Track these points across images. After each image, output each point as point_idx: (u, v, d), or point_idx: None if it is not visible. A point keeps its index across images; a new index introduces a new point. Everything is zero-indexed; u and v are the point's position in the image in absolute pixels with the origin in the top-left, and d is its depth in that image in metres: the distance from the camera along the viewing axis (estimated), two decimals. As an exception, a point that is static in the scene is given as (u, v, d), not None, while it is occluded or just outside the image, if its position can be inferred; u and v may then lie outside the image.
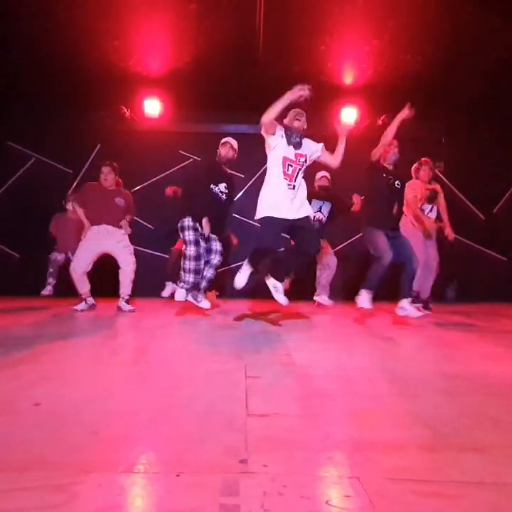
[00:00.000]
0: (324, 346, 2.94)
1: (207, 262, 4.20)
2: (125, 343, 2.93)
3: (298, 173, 3.55)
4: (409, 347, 3.03)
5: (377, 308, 5.09)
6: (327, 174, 5.42)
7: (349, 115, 6.62)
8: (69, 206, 5.36)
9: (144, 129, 6.76)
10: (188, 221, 4.11)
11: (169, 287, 5.59)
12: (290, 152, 3.53)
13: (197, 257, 4.08)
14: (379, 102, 6.52)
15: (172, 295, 5.44)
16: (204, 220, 4.08)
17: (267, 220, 3.46)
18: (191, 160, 6.77)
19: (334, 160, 3.76)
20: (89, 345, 2.84)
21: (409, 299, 3.96)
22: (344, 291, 6.24)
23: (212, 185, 4.19)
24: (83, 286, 4.61)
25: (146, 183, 6.88)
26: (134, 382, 1.96)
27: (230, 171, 4.44)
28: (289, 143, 3.53)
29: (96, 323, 3.91)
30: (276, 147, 3.54)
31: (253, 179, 6.68)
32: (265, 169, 6.66)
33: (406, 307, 3.90)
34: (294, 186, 3.51)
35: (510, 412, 1.64)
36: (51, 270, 5.32)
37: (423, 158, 4.89)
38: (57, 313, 4.48)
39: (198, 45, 5.46)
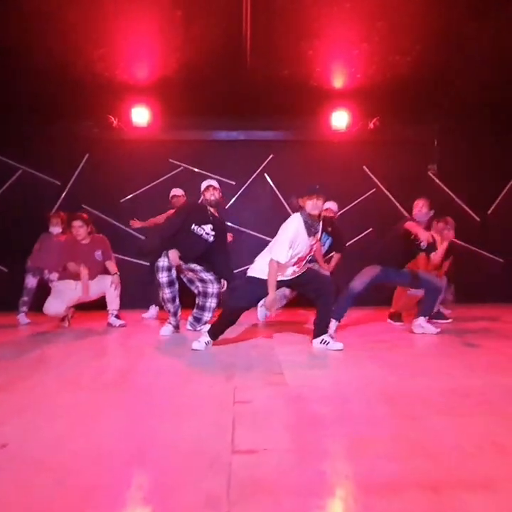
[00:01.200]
0: (318, 362, 2.83)
1: (205, 293, 4.08)
2: (109, 365, 2.80)
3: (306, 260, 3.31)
4: (407, 359, 2.91)
5: (372, 314, 5.02)
6: (332, 205, 5.21)
7: (340, 119, 6.52)
8: (53, 229, 5.20)
9: (132, 138, 6.64)
10: (162, 262, 3.92)
11: (153, 310, 5.43)
12: (306, 246, 3.17)
13: (173, 299, 3.98)
14: (370, 105, 6.43)
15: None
16: (170, 252, 3.91)
17: (257, 281, 3.18)
18: (181, 169, 6.67)
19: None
20: (72, 367, 2.70)
21: (426, 318, 3.93)
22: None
23: (193, 226, 3.93)
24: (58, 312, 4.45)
25: (136, 193, 6.75)
26: (113, 413, 1.83)
27: (218, 216, 4.16)
28: (309, 234, 3.16)
29: (82, 342, 3.77)
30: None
31: (244, 187, 6.58)
32: (257, 176, 6.65)
33: (422, 325, 3.90)
34: (299, 266, 3.27)
35: (516, 437, 1.52)
36: (25, 299, 5.07)
37: (447, 218, 4.71)
38: (42, 330, 4.34)
39: (184, 51, 5.36)
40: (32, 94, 5.98)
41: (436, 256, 4.08)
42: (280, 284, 3.24)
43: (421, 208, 4.01)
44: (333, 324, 3.81)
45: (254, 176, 6.65)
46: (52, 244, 5.10)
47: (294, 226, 3.10)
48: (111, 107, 6.41)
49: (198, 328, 4.08)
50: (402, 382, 2.24)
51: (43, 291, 4.89)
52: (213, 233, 3.99)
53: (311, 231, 3.14)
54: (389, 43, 5.21)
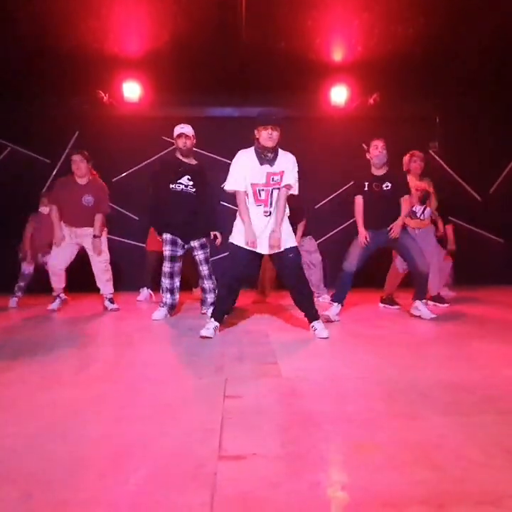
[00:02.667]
0: (314, 351, 2.71)
1: (195, 263, 3.94)
2: (97, 355, 2.67)
3: (272, 194, 3.09)
4: (408, 348, 2.80)
5: (370, 297, 4.90)
6: None
7: (339, 95, 6.28)
8: (43, 209, 5.01)
9: (123, 114, 6.41)
10: (165, 235, 3.79)
11: (145, 292, 5.33)
12: (261, 175, 3.04)
13: (170, 275, 3.82)
14: (370, 80, 6.19)
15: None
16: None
17: (234, 248, 3.12)
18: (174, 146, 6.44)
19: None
20: (55, 359, 2.57)
21: (424, 301, 3.87)
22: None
23: (171, 185, 3.73)
24: (60, 282, 4.43)
25: (128, 172, 6.55)
26: (95, 412, 1.71)
27: (194, 162, 3.93)
28: (261, 162, 3.04)
29: (72, 328, 3.65)
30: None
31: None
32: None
33: (419, 308, 3.84)
34: (270, 212, 3.08)
35: (526, 440, 1.41)
36: (21, 284, 4.96)
37: (415, 151, 4.55)
38: (31, 315, 4.22)
39: (176, 23, 5.10)
40: (18, 69, 5.73)
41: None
42: (249, 255, 3.09)
43: (381, 149, 3.81)
44: (335, 307, 3.78)
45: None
46: (42, 225, 4.93)
47: (239, 156, 3.11)
48: (101, 82, 6.17)
49: (204, 311, 3.96)
50: (401, 376, 2.12)
51: (42, 274, 4.80)
52: (192, 183, 3.78)
53: (262, 158, 3.03)
54: (391, 14, 4.95)
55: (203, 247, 3.87)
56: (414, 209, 4.38)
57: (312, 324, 3.12)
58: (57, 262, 4.33)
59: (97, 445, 1.41)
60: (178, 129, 3.83)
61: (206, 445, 1.39)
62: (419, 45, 5.42)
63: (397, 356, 2.51)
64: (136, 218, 6.45)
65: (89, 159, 4.39)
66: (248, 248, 3.05)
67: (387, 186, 3.80)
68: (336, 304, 3.80)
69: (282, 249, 3.06)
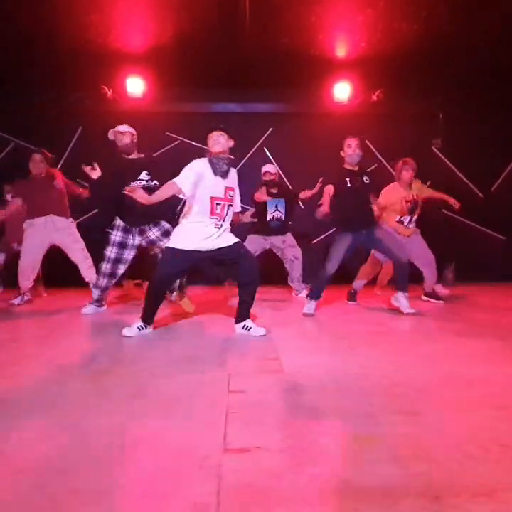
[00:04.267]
0: (315, 347, 2.75)
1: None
2: (100, 350, 2.71)
3: (228, 210, 3.05)
4: (407, 344, 2.84)
5: (370, 293, 4.94)
6: (269, 168, 5.19)
7: (342, 91, 6.28)
8: (9, 197, 5.04)
9: (127, 110, 6.40)
10: (118, 221, 3.75)
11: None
12: (218, 187, 2.99)
13: (108, 275, 3.80)
14: (373, 77, 6.19)
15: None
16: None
17: (171, 251, 3.03)
18: (178, 142, 6.48)
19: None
20: (63, 352, 2.63)
21: (405, 294, 3.84)
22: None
23: (132, 184, 3.55)
24: (26, 282, 4.41)
25: (132, 167, 6.57)
26: (101, 405, 1.75)
27: (140, 155, 3.90)
28: (215, 173, 2.96)
29: (72, 322, 3.70)
30: (199, 187, 2.95)
31: (243, 161, 6.37)
32: (256, 149, 6.45)
33: (399, 299, 3.86)
34: (221, 225, 3.03)
35: (521, 435, 1.45)
36: None
37: (406, 158, 4.53)
38: (34, 309, 4.26)
39: (180, 17, 5.10)
40: (21, 63, 5.73)
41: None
42: (202, 254, 3.03)
43: (355, 148, 3.76)
44: (312, 304, 3.85)
45: (254, 149, 6.46)
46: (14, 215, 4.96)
47: (193, 164, 2.96)
48: (104, 77, 6.17)
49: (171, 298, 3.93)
50: (401, 371, 2.17)
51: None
52: (149, 177, 3.69)
53: (216, 170, 2.95)
54: (395, 10, 4.94)
55: (165, 234, 3.75)
56: (402, 219, 4.44)
57: (244, 323, 3.11)
58: (27, 260, 4.32)
59: (106, 437, 1.46)
60: (111, 131, 3.82)
61: (211, 438, 1.44)
62: (423, 41, 5.42)
63: (397, 352, 2.55)
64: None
65: (48, 160, 4.56)
66: (187, 249, 2.99)
67: (366, 180, 3.83)
68: (313, 301, 3.86)
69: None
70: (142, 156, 3.89)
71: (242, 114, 6.49)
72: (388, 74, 6.12)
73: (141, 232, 3.78)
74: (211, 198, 2.96)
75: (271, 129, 6.50)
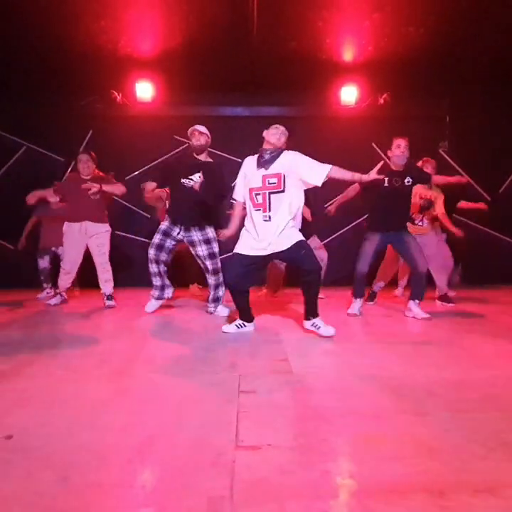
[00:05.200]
0: (324, 348, 2.80)
1: (198, 256, 4.06)
2: (114, 351, 2.78)
3: (272, 199, 3.03)
4: (414, 346, 2.88)
5: (389, 295, 4.99)
6: None
7: (349, 94, 6.33)
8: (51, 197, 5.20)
9: (136, 114, 6.51)
10: (163, 224, 4.00)
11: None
12: (256, 177, 3.07)
13: (151, 260, 4.01)
14: (380, 80, 6.23)
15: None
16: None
17: (234, 255, 3.18)
18: (186, 145, 6.54)
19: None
20: (76, 353, 2.70)
21: (417, 302, 3.82)
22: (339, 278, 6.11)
23: (182, 180, 3.85)
24: (65, 284, 4.58)
25: (141, 170, 6.67)
26: (117, 404, 1.82)
27: (206, 159, 4.02)
28: (258, 165, 3.09)
29: (89, 324, 3.78)
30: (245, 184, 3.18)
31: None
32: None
33: (412, 308, 3.85)
34: (269, 217, 3.03)
35: (525, 435, 1.50)
36: (42, 278, 5.28)
37: (428, 157, 4.57)
38: (49, 312, 4.35)
39: (189, 23, 5.17)
40: (33, 69, 5.84)
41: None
42: (261, 258, 3.10)
43: (404, 149, 3.73)
44: (358, 302, 3.98)
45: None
46: (52, 219, 5.14)
47: (244, 162, 3.23)
48: (114, 82, 6.27)
49: (210, 309, 4.08)
50: (408, 373, 2.22)
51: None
52: (203, 180, 3.79)
53: (259, 162, 3.08)
54: (402, 14, 4.99)
55: (206, 242, 3.96)
56: (413, 216, 4.47)
57: (313, 321, 3.09)
58: (68, 264, 4.50)
59: (123, 434, 1.52)
60: (191, 128, 3.94)
61: (224, 436, 1.50)
62: (429, 45, 5.45)
63: (404, 354, 2.60)
64: (148, 216, 6.56)
65: (96, 161, 4.61)
66: (246, 253, 3.08)
67: (408, 181, 3.81)
68: (357, 299, 3.99)
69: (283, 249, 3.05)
70: (208, 160, 4.03)
71: (249, 118, 6.56)
72: (395, 77, 6.16)
73: (187, 230, 3.95)
74: (250, 189, 3.09)
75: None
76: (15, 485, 1.21)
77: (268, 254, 3.08)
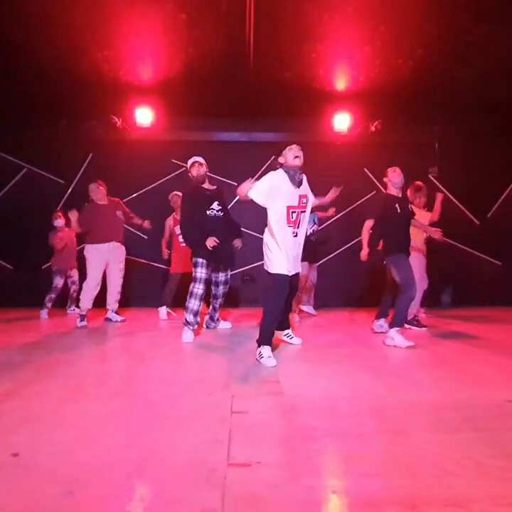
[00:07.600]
0: (313, 371, 2.91)
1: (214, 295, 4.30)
2: (112, 371, 2.89)
3: (302, 218, 3.33)
4: (398, 369, 3.00)
5: (363, 317, 5.09)
6: None
7: (342, 121, 6.57)
8: (57, 222, 5.45)
9: (135, 139, 6.72)
10: (201, 260, 4.00)
11: (163, 311, 5.50)
12: (294, 196, 3.26)
13: (201, 297, 4.02)
14: (372, 108, 6.49)
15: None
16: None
17: (280, 277, 3.25)
18: (183, 169, 6.73)
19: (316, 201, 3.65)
20: (76, 373, 2.81)
21: (398, 329, 3.69)
22: (335, 298, 6.25)
23: (208, 212, 4.02)
24: (88, 303, 4.66)
25: (139, 193, 6.84)
26: (116, 423, 1.93)
27: (213, 186, 4.23)
28: (294, 184, 3.25)
29: (88, 343, 3.88)
30: (276, 198, 3.24)
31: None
32: (259, 177, 6.69)
33: (393, 336, 3.70)
34: (297, 233, 3.31)
35: (495, 454, 1.61)
36: (52, 296, 5.47)
37: (418, 183, 4.75)
38: (48, 331, 4.45)
39: (188, 53, 5.41)
40: (37, 93, 6.05)
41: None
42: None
43: (399, 172, 3.93)
44: (396, 333, 3.71)
45: (256, 177, 6.69)
46: (69, 239, 5.47)
47: (272, 174, 3.30)
48: (115, 108, 6.49)
49: (212, 326, 4.43)
50: (393, 395, 2.33)
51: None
52: (220, 207, 4.09)
53: (295, 181, 3.25)
54: (391, 47, 5.25)
55: (227, 269, 4.24)
56: None
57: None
58: (93, 283, 4.64)
59: (122, 452, 1.63)
60: (191, 160, 4.14)
61: (217, 454, 1.61)
62: (418, 75, 5.71)
63: (390, 377, 2.72)
64: (146, 237, 6.71)
65: (104, 186, 4.86)
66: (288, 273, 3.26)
67: (410, 207, 4.01)
68: (398, 328, 3.72)
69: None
70: (214, 187, 4.22)
71: (246, 143, 6.78)
72: (386, 105, 6.42)
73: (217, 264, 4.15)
74: (288, 207, 3.25)
75: (273, 157, 6.74)
76: (23, 498, 1.31)
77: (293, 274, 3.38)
